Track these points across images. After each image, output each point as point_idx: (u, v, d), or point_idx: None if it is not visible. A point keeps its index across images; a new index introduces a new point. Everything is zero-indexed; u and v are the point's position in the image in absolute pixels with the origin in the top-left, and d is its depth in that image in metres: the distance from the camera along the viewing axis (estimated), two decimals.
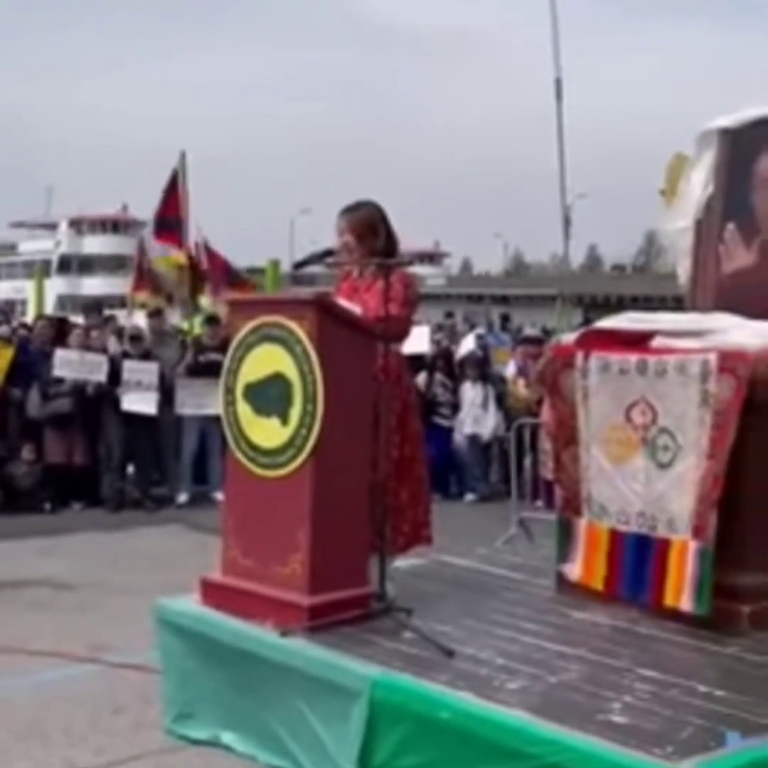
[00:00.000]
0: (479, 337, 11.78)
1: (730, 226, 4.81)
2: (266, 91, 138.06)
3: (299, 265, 4.45)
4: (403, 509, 4.42)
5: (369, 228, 4.39)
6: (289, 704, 3.69)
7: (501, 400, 10.37)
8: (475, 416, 10.24)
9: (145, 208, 14.58)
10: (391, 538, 4.30)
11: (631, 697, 3.25)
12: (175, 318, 11.53)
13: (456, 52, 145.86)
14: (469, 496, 10.23)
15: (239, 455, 4.12)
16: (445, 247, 66.51)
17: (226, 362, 4.20)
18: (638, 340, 4.27)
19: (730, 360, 3.89)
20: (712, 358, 3.94)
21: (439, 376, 10.48)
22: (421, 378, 10.48)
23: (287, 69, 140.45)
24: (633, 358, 4.22)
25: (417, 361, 10.42)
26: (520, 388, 9.96)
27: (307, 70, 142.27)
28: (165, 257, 10.71)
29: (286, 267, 14.07)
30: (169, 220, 10.71)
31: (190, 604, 4.18)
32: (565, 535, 4.54)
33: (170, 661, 4.18)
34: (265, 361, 4.02)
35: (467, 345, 11.02)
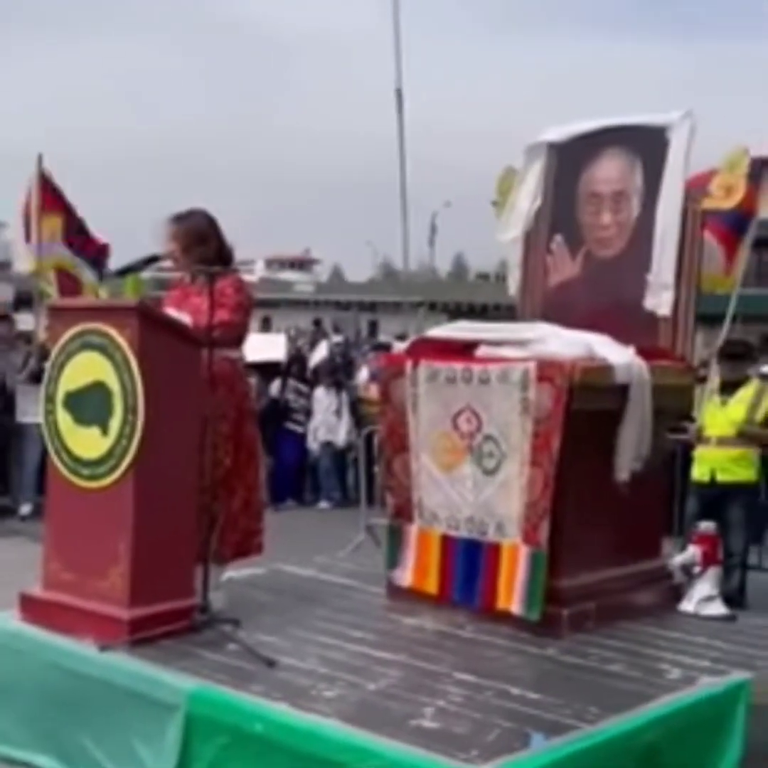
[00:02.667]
0: (336, 345, 11.82)
1: (558, 238, 4.95)
2: (121, 92, 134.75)
3: (123, 271, 4.37)
4: (235, 518, 4.38)
5: (196, 237, 4.34)
6: (107, 722, 3.60)
7: (354, 407, 10.42)
8: (328, 424, 10.26)
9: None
10: (219, 548, 4.25)
11: (444, 702, 3.29)
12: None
13: (316, 55, 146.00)
14: (323, 504, 10.24)
15: (60, 466, 4.01)
16: (315, 254, 66.54)
17: (47, 370, 4.09)
18: (464, 349, 4.34)
19: (548, 369, 4.00)
20: (532, 367, 4.03)
21: (292, 382, 10.46)
22: (276, 384, 10.45)
23: (143, 67, 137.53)
24: (459, 366, 4.29)
25: (271, 368, 10.40)
26: (373, 394, 10.01)
27: (162, 69, 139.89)
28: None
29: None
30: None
31: (6, 621, 4.04)
32: (397, 541, 4.58)
33: None
34: (85, 369, 3.92)
35: (321, 352, 11.04)
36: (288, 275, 57.17)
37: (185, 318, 4.13)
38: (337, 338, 13.90)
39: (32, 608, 4.04)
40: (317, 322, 21.16)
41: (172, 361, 3.91)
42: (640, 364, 4.13)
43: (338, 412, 10.36)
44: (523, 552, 4.05)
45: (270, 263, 59.42)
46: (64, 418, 4.00)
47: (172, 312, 4.21)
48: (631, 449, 4.14)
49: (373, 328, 20.31)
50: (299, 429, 10.38)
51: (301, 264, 62.42)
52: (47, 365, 4.10)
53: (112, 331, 3.83)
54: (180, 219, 4.37)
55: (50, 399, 4.05)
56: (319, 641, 3.94)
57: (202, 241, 4.33)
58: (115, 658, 3.65)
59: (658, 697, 3.38)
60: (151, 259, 4.28)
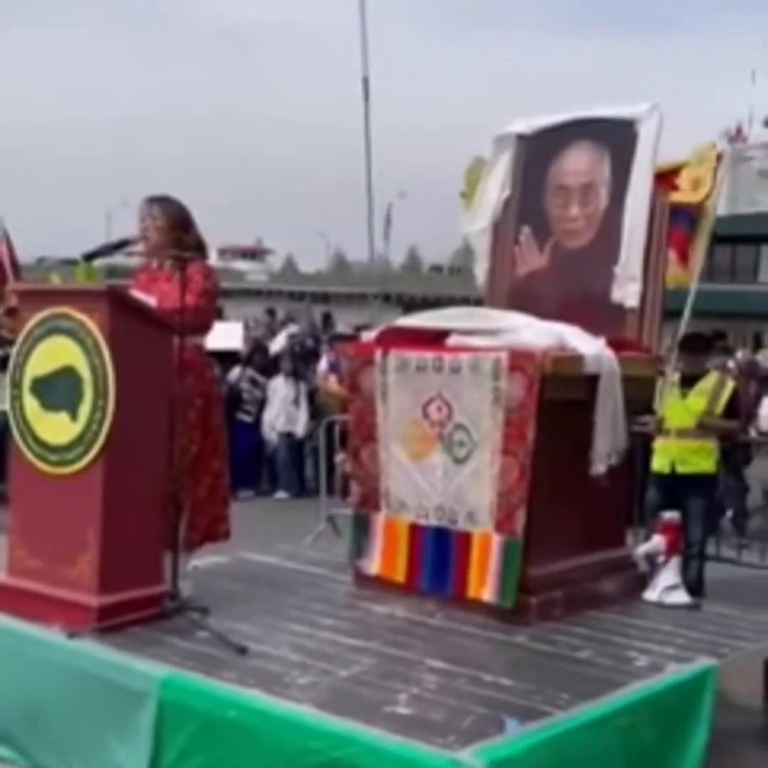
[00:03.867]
0: (293, 336, 11.77)
1: (526, 229, 4.98)
2: (80, 80, 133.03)
3: (92, 255, 4.31)
4: (201, 504, 4.36)
5: (175, 221, 4.33)
6: (76, 710, 3.57)
7: (312, 397, 10.39)
8: (288, 414, 10.23)
9: None
10: (187, 535, 4.23)
11: (418, 689, 3.31)
12: None
13: (275, 46, 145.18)
14: (281, 494, 10.21)
15: (26, 452, 3.96)
16: (268, 244, 66.17)
17: (13, 355, 4.02)
18: (435, 339, 4.35)
19: (520, 359, 4.02)
20: (504, 356, 4.06)
21: (249, 372, 10.41)
22: (234, 373, 10.39)
23: (104, 62, 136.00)
24: (429, 355, 4.30)
25: (229, 357, 10.33)
26: (332, 384, 10.00)
27: (122, 60, 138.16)
28: None
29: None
30: None
31: None
32: (362, 530, 4.58)
33: None
34: (53, 354, 3.87)
35: (279, 342, 10.99)
36: (240, 265, 56.73)
37: (151, 301, 4.09)
38: (293, 328, 13.84)
39: None
40: (271, 312, 21.02)
41: (142, 347, 3.87)
42: (609, 356, 4.17)
43: (296, 402, 10.33)
44: (496, 540, 4.08)
45: (222, 252, 58.90)
46: (30, 403, 3.95)
47: (139, 296, 4.16)
48: (605, 442, 4.17)
49: (327, 319, 20.22)
50: (248, 418, 10.34)
51: (254, 254, 61.99)
52: (13, 350, 4.04)
53: (82, 316, 3.79)
54: (160, 201, 4.34)
55: (16, 384, 3.99)
56: (290, 629, 3.94)
57: (179, 226, 4.31)
58: (83, 645, 3.61)
59: (627, 684, 3.43)
60: (121, 244, 4.24)
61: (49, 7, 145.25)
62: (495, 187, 4.98)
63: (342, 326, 14.72)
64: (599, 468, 4.20)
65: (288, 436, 10.29)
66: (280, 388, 10.32)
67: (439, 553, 4.32)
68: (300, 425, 10.28)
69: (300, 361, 10.83)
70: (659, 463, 6.07)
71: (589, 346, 4.14)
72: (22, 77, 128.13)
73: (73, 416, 3.80)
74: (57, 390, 3.86)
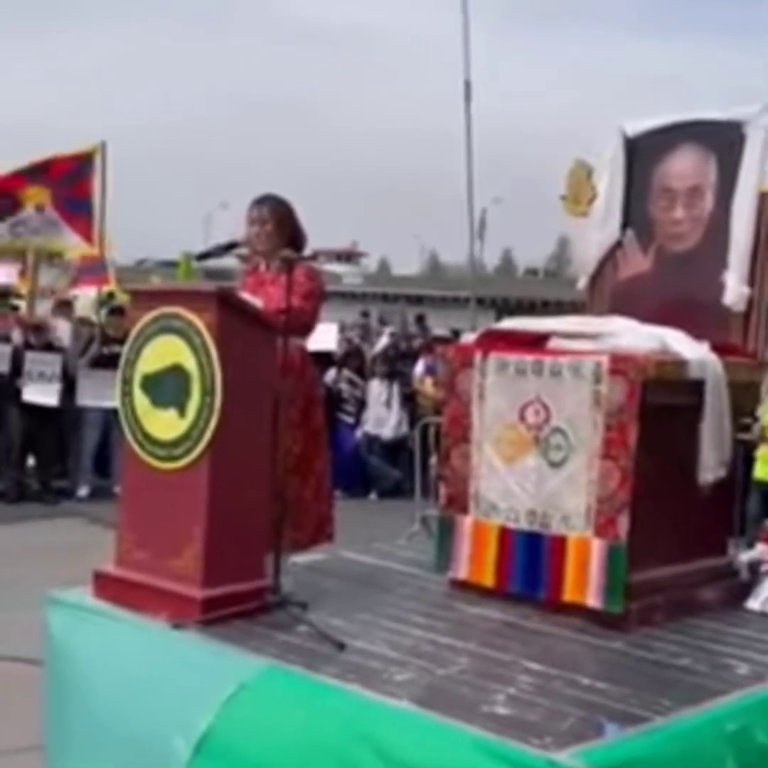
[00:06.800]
0: (392, 335, 11.87)
1: (629, 233, 4.94)
2: (176, 83, 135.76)
3: (203, 256, 4.44)
4: (307, 505, 4.43)
5: (282, 222, 4.42)
6: (180, 699, 3.66)
7: (409, 399, 10.46)
8: (377, 415, 10.31)
9: None
10: (294, 535, 4.31)
11: (515, 690, 3.32)
12: (42, 308, 11.08)
13: (366, 49, 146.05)
14: (373, 494, 10.29)
15: (135, 447, 4.09)
16: (363, 247, 66.62)
17: (125, 353, 4.16)
18: (535, 341, 4.35)
19: (621, 362, 4.00)
20: (604, 360, 4.04)
21: (346, 373, 10.52)
22: (331, 375, 10.52)
23: (201, 65, 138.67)
24: (529, 358, 4.30)
25: (325, 358, 10.47)
26: (428, 387, 10.06)
27: (214, 62, 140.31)
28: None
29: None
30: (76, 202, 10.40)
31: (80, 597, 4.12)
32: (448, 532, 4.58)
33: (54, 654, 4.11)
34: (163, 352, 3.99)
35: (381, 343, 11.11)
36: (335, 268, 57.24)
37: (257, 303, 4.18)
38: (389, 330, 13.94)
39: (105, 585, 4.11)
40: (365, 315, 21.17)
41: (247, 346, 3.96)
42: (714, 360, 4.12)
43: (388, 404, 10.40)
44: (597, 545, 4.05)
45: (317, 255, 59.46)
46: (141, 400, 4.07)
47: (246, 297, 4.26)
48: (714, 450, 4.12)
49: (421, 321, 20.28)
50: (349, 419, 10.44)
51: (349, 257, 62.46)
52: (125, 347, 4.17)
53: (192, 315, 3.90)
54: (269, 202, 4.43)
55: (127, 381, 4.12)
56: (385, 626, 3.98)
57: (286, 225, 4.40)
58: (187, 636, 3.72)
59: (727, 692, 3.38)
60: (231, 246, 4.34)
61: (126, 9, 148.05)
62: (615, 189, 4.93)
63: (439, 329, 14.77)
64: (707, 476, 4.15)
65: (375, 437, 10.37)
66: (374, 389, 10.42)
67: (530, 557, 4.31)
68: (388, 427, 10.35)
69: (395, 363, 10.91)
70: (763, 471, 5.96)
71: (692, 350, 4.10)
72: (116, 81, 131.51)
73: (182, 413, 3.91)
74: (166, 387, 3.98)
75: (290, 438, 4.28)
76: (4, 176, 10.30)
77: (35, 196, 10.26)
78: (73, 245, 10.42)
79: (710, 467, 4.15)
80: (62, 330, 10.21)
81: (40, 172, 10.26)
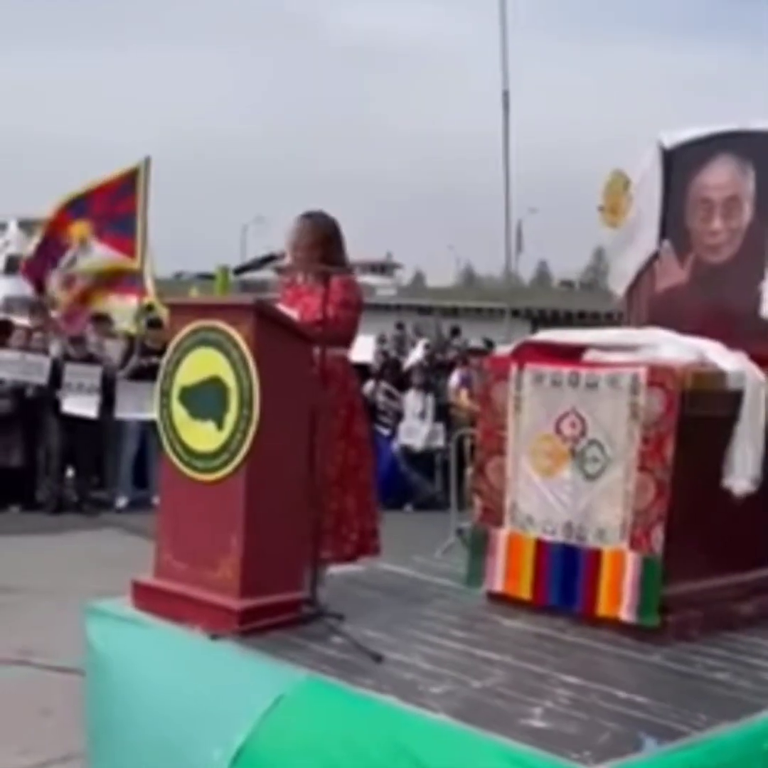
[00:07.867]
0: (427, 347, 11.88)
1: (666, 244, 4.93)
2: (218, 97, 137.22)
3: (241, 269, 4.49)
4: (350, 517, 4.44)
5: (332, 235, 4.48)
6: (215, 709, 3.69)
7: (444, 411, 10.46)
8: (409, 427, 10.33)
9: None
10: (337, 546, 4.33)
11: (552, 703, 3.30)
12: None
13: (403, 61, 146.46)
14: (408, 506, 10.29)
15: (174, 458, 4.12)
16: (397, 259, 66.81)
17: (163, 365, 4.20)
18: (572, 353, 4.34)
19: (659, 374, 3.98)
20: (642, 372, 4.02)
21: (383, 384, 10.55)
22: (369, 386, 10.56)
23: (239, 76, 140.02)
24: (566, 370, 4.29)
25: (361, 370, 10.51)
26: (463, 399, 10.06)
27: (257, 77, 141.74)
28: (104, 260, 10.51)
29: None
30: (118, 220, 10.53)
31: (120, 607, 4.16)
32: (483, 545, 4.57)
33: (94, 664, 4.15)
34: (201, 364, 4.02)
35: (415, 355, 11.14)
36: (370, 279, 57.42)
37: (294, 314, 4.22)
38: (424, 341, 13.97)
39: (143, 595, 4.15)
40: (400, 326, 21.21)
41: (286, 358, 3.99)
42: (753, 371, 4.09)
43: (422, 415, 10.42)
44: (631, 558, 4.03)
45: (352, 267, 59.67)
46: (178, 411, 4.11)
47: (283, 309, 4.30)
48: (752, 459, 4.08)
49: (455, 333, 20.29)
50: (386, 431, 10.46)
51: (383, 268, 62.65)
52: (163, 359, 4.22)
53: (229, 328, 3.93)
54: (312, 217, 4.49)
55: (165, 393, 4.17)
56: (421, 638, 3.98)
57: (327, 242, 4.45)
58: (224, 647, 3.74)
59: (766, 707, 3.35)
60: (269, 258, 4.39)
61: (184, 24, 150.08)
62: (655, 204, 4.92)
63: (475, 340, 14.78)
64: (744, 485, 4.11)
65: (407, 449, 10.38)
66: (410, 400, 10.43)
67: (566, 570, 4.29)
68: (419, 438, 10.36)
69: (431, 375, 10.92)
70: None
71: (731, 362, 4.07)
72: (163, 92, 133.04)
73: (219, 425, 3.95)
74: (204, 399, 4.02)
75: (332, 448, 4.29)
76: (51, 219, 10.50)
77: (80, 230, 10.47)
78: (115, 260, 10.56)
79: (748, 476, 4.11)
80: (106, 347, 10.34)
81: (83, 202, 10.44)
